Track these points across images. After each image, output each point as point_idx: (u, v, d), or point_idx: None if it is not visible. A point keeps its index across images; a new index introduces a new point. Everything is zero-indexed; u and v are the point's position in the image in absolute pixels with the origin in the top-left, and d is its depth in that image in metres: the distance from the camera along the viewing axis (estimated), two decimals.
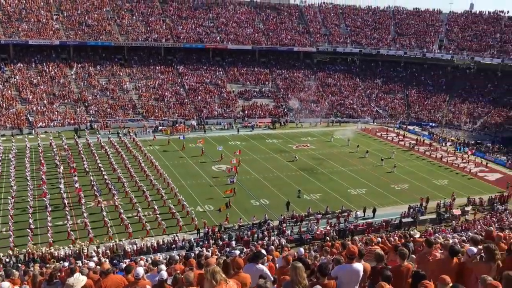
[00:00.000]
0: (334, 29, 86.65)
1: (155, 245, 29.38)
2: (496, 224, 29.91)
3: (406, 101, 76.10)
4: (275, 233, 32.53)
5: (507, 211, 37.86)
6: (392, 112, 73.31)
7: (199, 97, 69.09)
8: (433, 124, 68.33)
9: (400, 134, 62.66)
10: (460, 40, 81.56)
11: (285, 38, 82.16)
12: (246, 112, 68.11)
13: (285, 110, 69.98)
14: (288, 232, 32.61)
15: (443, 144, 59.20)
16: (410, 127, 67.37)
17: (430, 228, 32.69)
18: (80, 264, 17.53)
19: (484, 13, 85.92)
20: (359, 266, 6.24)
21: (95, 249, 27.99)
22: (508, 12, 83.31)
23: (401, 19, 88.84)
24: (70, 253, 27.34)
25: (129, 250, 28.41)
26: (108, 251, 27.78)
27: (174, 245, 29.49)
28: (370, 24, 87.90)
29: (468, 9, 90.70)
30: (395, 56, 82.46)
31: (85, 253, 27.38)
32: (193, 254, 18.29)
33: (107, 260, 21.38)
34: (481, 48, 78.21)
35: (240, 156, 47.60)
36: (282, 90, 75.07)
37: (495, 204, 39.62)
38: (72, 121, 58.02)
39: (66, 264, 17.71)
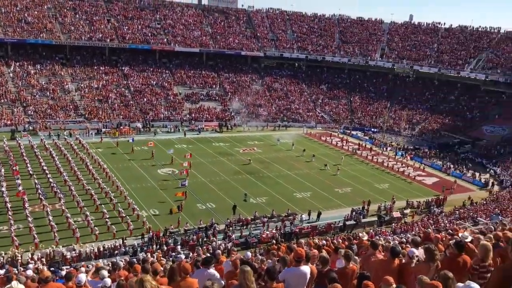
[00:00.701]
0: (281, 34, 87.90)
1: (96, 251, 28.44)
2: (433, 226, 31.35)
3: (349, 107, 78.38)
4: (222, 237, 32.47)
5: (443, 214, 39.79)
6: (336, 117, 75.28)
7: (145, 99, 67.80)
8: (375, 130, 70.77)
9: (343, 139, 64.37)
10: (400, 49, 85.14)
11: (233, 42, 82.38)
12: (193, 115, 67.58)
13: (232, 114, 70.06)
14: (234, 236, 32.63)
15: (384, 149, 61.40)
16: (353, 132, 69.43)
17: (371, 230, 33.75)
18: (17, 272, 16.66)
19: (422, 24, 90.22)
20: (306, 269, 6.35)
21: (30, 256, 26.68)
22: (444, 24, 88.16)
23: (345, 27, 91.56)
24: (5, 260, 25.90)
25: (68, 256, 27.32)
26: (43, 258, 26.57)
27: (117, 251, 28.69)
28: (316, 31, 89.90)
29: (408, 20, 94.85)
30: (340, 63, 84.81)
31: (19, 260, 26.00)
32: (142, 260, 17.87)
33: (45, 268, 20.47)
34: (420, 58, 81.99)
35: (191, 159, 47.23)
36: (229, 93, 75.16)
37: (432, 207, 41.54)
38: (9, 122, 55.14)
39: (2, 272, 16.79)
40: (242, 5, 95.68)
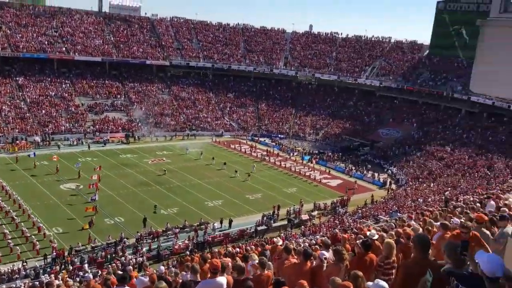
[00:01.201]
0: (187, 43, 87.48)
1: None
2: (339, 226, 32.94)
3: (257, 114, 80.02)
4: (132, 251, 31.41)
5: (347, 213, 41.99)
6: (244, 125, 76.43)
7: (43, 111, 63.72)
8: (282, 136, 72.91)
9: (252, 146, 65.46)
10: (302, 57, 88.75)
11: (137, 51, 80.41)
12: (97, 126, 64.80)
13: (139, 124, 68.25)
14: (145, 249, 31.74)
15: (291, 154, 63.43)
16: (262, 139, 70.95)
17: (282, 234, 34.63)
18: None
19: (322, 34, 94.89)
20: (222, 279, 6.37)
21: None
22: (341, 33, 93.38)
23: (250, 36, 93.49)
24: None
25: None
26: None
27: (16, 275, 26.55)
28: (221, 40, 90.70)
29: (308, 30, 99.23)
30: (246, 71, 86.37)
31: None
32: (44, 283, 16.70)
33: None
34: (320, 66, 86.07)
35: (100, 172, 45.15)
36: (135, 103, 73.14)
37: (337, 208, 43.65)
38: None
39: None
40: (146, 13, 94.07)
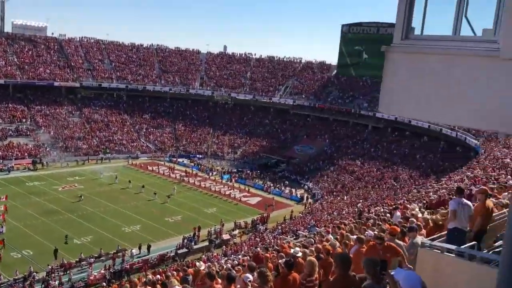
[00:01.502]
0: (98, 64, 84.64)
1: None
2: (260, 244, 33.19)
3: (174, 135, 78.98)
4: (42, 286, 29.27)
5: (267, 230, 42.48)
6: (162, 146, 75.05)
7: None
8: (200, 156, 72.51)
9: (170, 167, 64.34)
10: (218, 78, 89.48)
11: (44, 72, 76.31)
12: (1, 153, 60.14)
13: (48, 149, 64.38)
14: (56, 283, 29.72)
15: (210, 174, 63.21)
16: (180, 160, 70.00)
17: (204, 256, 34.18)
18: None
19: (236, 54, 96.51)
20: None
21: None
22: (255, 54, 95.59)
23: (164, 57, 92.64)
24: None
25: None
26: None
27: None
28: (135, 61, 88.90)
29: (222, 51, 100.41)
30: (161, 92, 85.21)
31: None
32: None
33: None
34: (236, 85, 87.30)
35: (7, 202, 41.63)
36: (42, 127, 69.03)
37: (258, 225, 44.04)
38: None
39: None
40: (52, 33, 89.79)
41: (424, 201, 20.76)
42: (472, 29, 5.06)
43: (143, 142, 75.20)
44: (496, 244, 7.32)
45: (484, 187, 9.57)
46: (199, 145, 76.43)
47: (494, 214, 9.22)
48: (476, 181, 22.76)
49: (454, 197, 8.31)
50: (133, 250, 35.03)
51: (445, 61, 4.65)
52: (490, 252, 6.58)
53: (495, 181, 17.83)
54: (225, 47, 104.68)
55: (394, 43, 5.01)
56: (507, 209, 9.09)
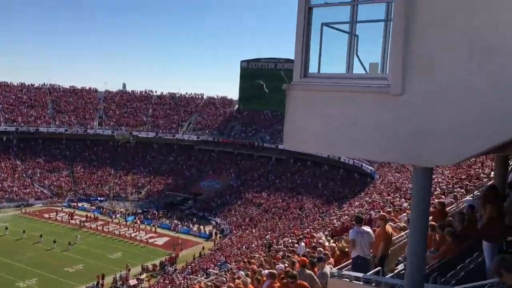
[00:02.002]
0: None
1: None
2: (169, 286, 32.01)
3: (72, 178, 74.49)
4: None
5: (177, 271, 41.17)
6: (59, 190, 70.28)
7: None
8: (102, 199, 69.01)
9: (69, 213, 60.27)
10: (118, 116, 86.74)
11: None
12: None
13: None
14: None
15: (114, 217, 60.24)
16: (80, 204, 65.94)
17: None
18: None
19: (136, 92, 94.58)
20: None
21: None
22: (156, 91, 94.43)
23: (58, 96, 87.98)
24: None
25: None
26: None
27: None
28: (25, 102, 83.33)
29: (122, 88, 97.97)
30: (56, 133, 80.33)
31: None
32: None
33: None
34: (137, 123, 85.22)
35: None
36: None
37: (166, 267, 42.53)
38: None
39: None
40: None
41: (329, 229, 21.53)
42: (364, 67, 5.41)
43: (37, 188, 69.90)
44: (398, 267, 7.71)
45: (383, 213, 10.12)
46: (100, 187, 72.80)
47: (394, 238, 9.76)
48: (374, 206, 24.18)
49: (354, 226, 8.67)
50: None
51: (341, 97, 4.89)
52: (394, 276, 6.90)
53: (391, 205, 19.02)
54: (124, 85, 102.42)
55: (293, 81, 5.18)
56: (405, 231, 9.68)
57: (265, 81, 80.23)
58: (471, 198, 10.37)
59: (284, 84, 5.31)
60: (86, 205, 66.20)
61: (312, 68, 5.20)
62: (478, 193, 10.22)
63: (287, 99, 5.25)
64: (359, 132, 4.73)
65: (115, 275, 39.03)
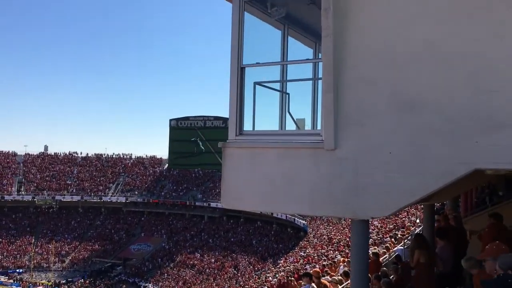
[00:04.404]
0: None
1: None
2: None
3: None
4: None
5: None
6: None
7: None
8: (21, 270, 63.51)
9: None
10: (39, 180, 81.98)
11: None
12: None
13: None
14: None
15: None
16: None
17: None
18: None
19: (59, 154, 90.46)
20: None
21: None
22: (81, 153, 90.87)
23: None
24: None
25: None
26: None
27: None
28: None
29: (43, 151, 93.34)
30: None
31: None
32: None
33: None
34: (61, 187, 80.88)
35: None
36: None
37: None
38: None
39: None
40: None
41: (266, 287, 21.20)
42: (295, 123, 5.58)
43: None
44: None
45: (316, 270, 10.10)
46: (19, 258, 67.12)
47: None
48: (309, 260, 24.27)
49: (304, 283, 8.56)
50: None
51: (276, 154, 4.96)
52: None
53: (325, 258, 19.20)
54: (46, 147, 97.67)
55: (229, 139, 5.20)
56: (341, 285, 9.73)
57: (196, 139, 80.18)
58: (402, 248, 10.71)
59: (219, 143, 5.32)
60: (3, 278, 60.51)
61: (247, 126, 5.28)
62: (408, 241, 10.58)
63: (223, 157, 5.24)
64: (295, 188, 4.79)
65: None
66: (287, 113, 5.55)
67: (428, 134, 4.03)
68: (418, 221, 13.95)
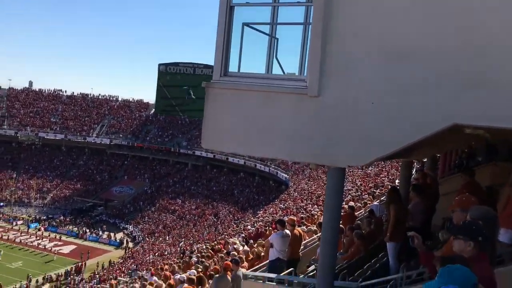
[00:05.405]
0: None
1: None
2: None
3: None
4: None
5: (84, 281, 39.15)
6: None
7: None
8: (1, 204, 63.84)
9: None
10: (22, 116, 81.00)
11: None
12: None
13: None
14: None
15: (14, 223, 55.98)
16: None
17: None
18: None
19: (44, 90, 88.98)
20: None
21: None
22: (66, 91, 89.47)
23: None
24: None
25: None
26: None
27: None
28: None
29: (28, 86, 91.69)
30: None
31: None
32: None
33: None
34: (44, 124, 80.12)
35: None
36: None
37: (72, 276, 40.28)
38: None
39: None
40: None
41: (243, 234, 21.65)
42: (282, 70, 5.51)
43: None
44: (310, 268, 7.91)
45: (291, 218, 10.29)
46: (1, 192, 67.34)
47: (306, 241, 10.01)
48: (288, 212, 24.75)
49: (277, 229, 8.73)
50: None
51: (259, 97, 4.92)
52: (305, 277, 7.05)
53: (304, 211, 19.58)
54: (30, 83, 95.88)
55: (213, 80, 5.13)
56: (317, 235, 9.97)
57: (186, 85, 79.01)
58: (377, 203, 10.95)
59: (203, 82, 5.24)
60: None
61: (232, 67, 5.20)
62: (384, 198, 10.81)
63: (206, 97, 5.18)
64: (276, 132, 4.79)
65: (15, 285, 36.24)
66: (275, 59, 5.46)
67: (411, 86, 4.02)
68: (397, 181, 14.20)
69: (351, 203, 12.39)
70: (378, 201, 12.00)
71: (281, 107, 4.72)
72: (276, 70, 5.31)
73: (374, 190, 17.61)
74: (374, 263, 6.69)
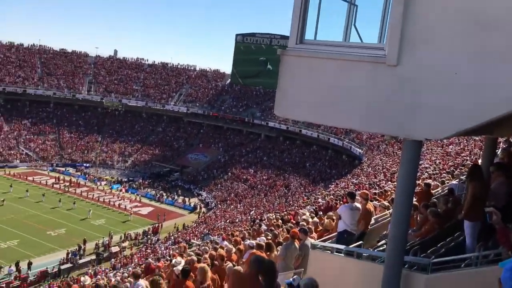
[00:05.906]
0: None
1: None
2: (152, 255, 32.18)
3: (58, 143, 73.87)
4: None
5: (159, 241, 41.38)
6: (44, 154, 69.73)
7: None
8: (87, 165, 68.67)
9: (54, 177, 59.92)
10: (107, 83, 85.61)
11: None
12: None
13: None
14: None
15: (99, 183, 60.07)
16: (64, 169, 65.61)
17: (90, 270, 32.23)
18: None
19: (127, 59, 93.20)
20: None
21: None
22: (148, 60, 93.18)
23: (48, 58, 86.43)
24: None
25: None
26: None
27: None
28: (13, 61, 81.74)
29: (113, 55, 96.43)
30: (44, 96, 79.12)
31: None
32: None
33: None
34: (127, 92, 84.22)
35: None
36: None
37: (149, 236, 42.72)
38: None
39: None
40: None
41: (314, 207, 21.65)
42: (360, 38, 5.32)
43: (22, 150, 69.24)
44: (380, 243, 7.78)
45: (364, 191, 10.13)
46: (87, 154, 72.35)
47: (377, 216, 9.83)
48: (360, 187, 24.34)
49: (347, 201, 8.65)
50: (11, 268, 31.92)
51: (335, 65, 4.82)
52: (375, 250, 6.96)
53: (377, 187, 19.16)
54: (115, 51, 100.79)
55: (289, 47, 5.09)
56: (389, 210, 9.75)
57: (264, 56, 79.13)
58: (456, 182, 10.44)
59: (278, 50, 5.22)
60: (71, 170, 65.86)
61: (309, 35, 5.12)
62: (464, 178, 10.30)
63: (281, 64, 5.16)
64: (351, 102, 4.69)
65: (98, 241, 39.16)
66: (353, 27, 5.28)
67: (499, 55, 3.74)
68: (480, 162, 13.41)
69: (428, 181, 11.93)
70: (457, 180, 11.44)
71: (357, 76, 4.60)
72: (353, 39, 5.16)
73: (454, 170, 16.79)
74: (449, 242, 6.44)
